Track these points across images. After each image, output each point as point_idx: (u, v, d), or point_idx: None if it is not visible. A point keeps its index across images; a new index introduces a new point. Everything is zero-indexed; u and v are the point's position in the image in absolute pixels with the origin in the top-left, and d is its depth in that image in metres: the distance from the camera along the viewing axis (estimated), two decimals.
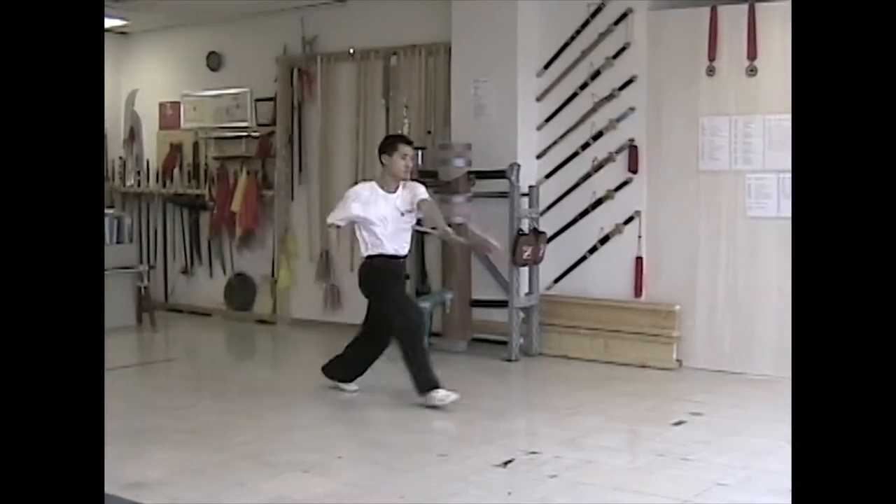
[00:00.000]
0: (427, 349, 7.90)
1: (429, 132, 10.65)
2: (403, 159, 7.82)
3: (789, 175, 8.44)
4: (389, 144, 7.95)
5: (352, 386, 8.20)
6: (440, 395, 7.41)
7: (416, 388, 7.54)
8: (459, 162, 9.63)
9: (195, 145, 13.01)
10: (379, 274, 7.86)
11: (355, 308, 11.51)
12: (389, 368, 9.47)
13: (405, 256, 8.09)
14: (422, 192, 7.90)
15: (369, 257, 7.87)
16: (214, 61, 12.79)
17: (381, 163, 7.93)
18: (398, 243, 7.88)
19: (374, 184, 7.94)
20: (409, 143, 8.06)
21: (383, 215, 7.76)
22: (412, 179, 8.05)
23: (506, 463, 6.05)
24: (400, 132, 8.49)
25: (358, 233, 7.92)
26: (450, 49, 10.23)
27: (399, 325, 7.64)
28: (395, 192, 7.84)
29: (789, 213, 8.45)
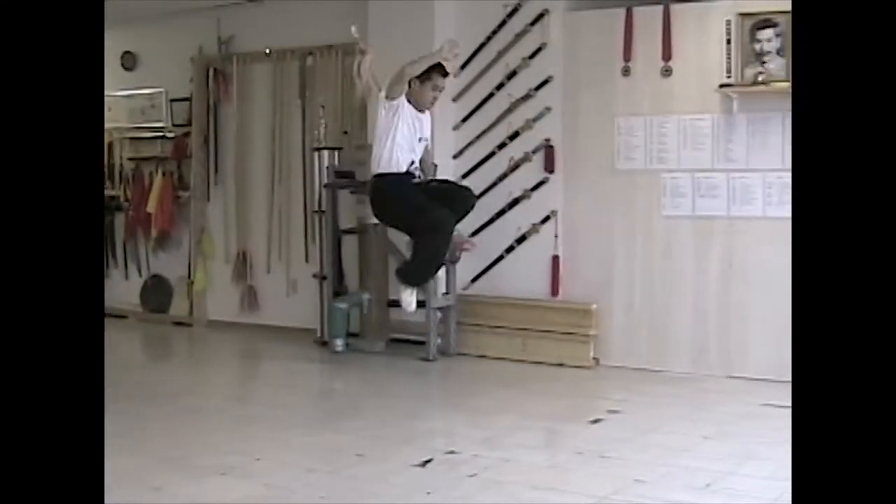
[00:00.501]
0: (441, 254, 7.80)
1: (345, 133, 10.63)
2: (435, 90, 7.66)
3: (704, 174, 8.65)
4: (425, 72, 7.57)
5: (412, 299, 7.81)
6: (408, 296, 7.66)
7: (398, 274, 7.81)
8: None
9: (110, 146, 12.85)
10: (391, 191, 7.62)
11: (272, 309, 11.53)
12: (306, 368, 9.46)
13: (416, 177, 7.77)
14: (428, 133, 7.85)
15: (380, 175, 7.63)
16: (129, 61, 12.67)
17: (409, 85, 7.55)
18: (413, 160, 7.67)
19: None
20: (446, 74, 7.73)
21: (407, 128, 7.55)
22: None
23: (424, 463, 6.05)
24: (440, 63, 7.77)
25: (379, 141, 7.61)
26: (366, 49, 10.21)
27: (428, 222, 7.53)
28: (423, 113, 7.70)
29: (704, 212, 8.63)
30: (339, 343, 9.86)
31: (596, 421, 7.14)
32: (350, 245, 10.23)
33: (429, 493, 5.51)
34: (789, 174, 8.29)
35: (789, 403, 7.34)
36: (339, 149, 10.37)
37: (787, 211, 8.33)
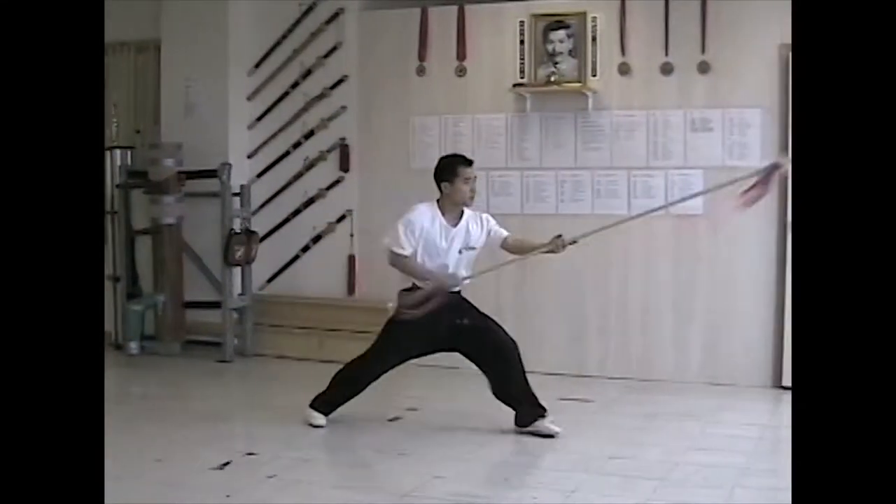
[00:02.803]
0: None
1: (138, 131, 10.45)
2: (467, 183, 6.71)
3: (497, 172, 8.78)
4: (448, 170, 6.76)
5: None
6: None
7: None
8: (169, 162, 9.47)
9: None
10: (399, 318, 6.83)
11: None
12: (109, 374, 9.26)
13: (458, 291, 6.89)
14: (497, 227, 6.91)
15: (407, 289, 6.78)
16: None
17: (441, 190, 6.78)
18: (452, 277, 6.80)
19: (435, 207, 6.80)
20: (470, 163, 6.83)
21: (438, 249, 6.75)
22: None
23: (223, 465, 5.99)
24: (455, 153, 7.27)
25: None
26: (159, 47, 10.05)
27: (359, 365, 7.00)
28: (457, 224, 6.78)
29: (498, 210, 8.72)
30: (133, 346, 9.69)
31: (395, 419, 7.18)
32: (144, 246, 10.04)
33: (228, 495, 5.45)
34: (581, 172, 8.56)
35: (585, 397, 7.48)
36: (132, 148, 10.19)
37: (579, 208, 8.57)
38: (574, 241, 6.66)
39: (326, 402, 7.03)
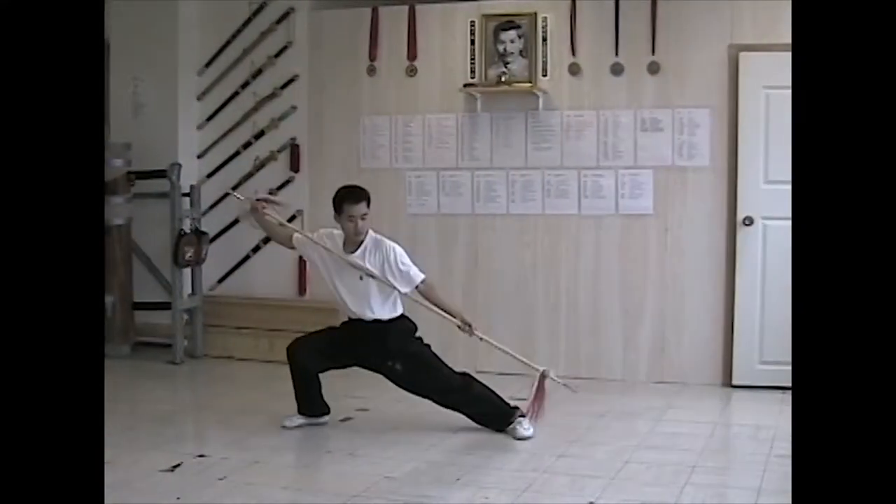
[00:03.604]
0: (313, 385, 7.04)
1: None
2: (351, 221, 6.64)
3: (448, 172, 8.77)
4: (336, 204, 6.72)
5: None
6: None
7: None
8: (118, 162, 9.40)
9: None
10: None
11: None
12: None
13: (379, 321, 6.80)
14: (403, 279, 6.74)
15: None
16: None
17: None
18: (357, 307, 6.79)
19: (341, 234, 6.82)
20: (358, 200, 6.68)
21: (337, 268, 6.79)
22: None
23: (174, 467, 5.96)
24: (353, 184, 7.08)
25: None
26: (108, 46, 9.98)
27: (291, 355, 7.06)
28: (354, 251, 6.72)
29: (449, 210, 8.73)
30: None
31: (345, 419, 7.16)
32: None
33: (178, 498, 5.43)
34: (531, 172, 8.56)
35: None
36: None
37: (528, 208, 8.58)
38: (481, 338, 6.95)
39: (301, 402, 7.05)
